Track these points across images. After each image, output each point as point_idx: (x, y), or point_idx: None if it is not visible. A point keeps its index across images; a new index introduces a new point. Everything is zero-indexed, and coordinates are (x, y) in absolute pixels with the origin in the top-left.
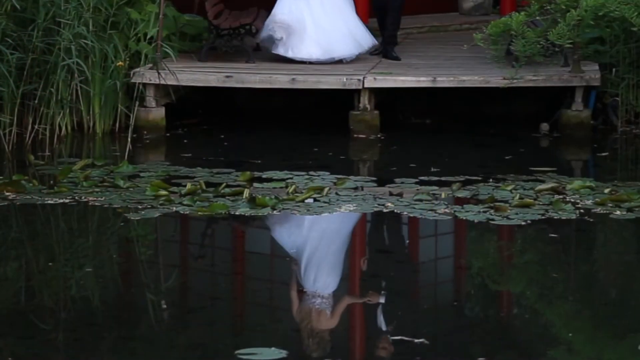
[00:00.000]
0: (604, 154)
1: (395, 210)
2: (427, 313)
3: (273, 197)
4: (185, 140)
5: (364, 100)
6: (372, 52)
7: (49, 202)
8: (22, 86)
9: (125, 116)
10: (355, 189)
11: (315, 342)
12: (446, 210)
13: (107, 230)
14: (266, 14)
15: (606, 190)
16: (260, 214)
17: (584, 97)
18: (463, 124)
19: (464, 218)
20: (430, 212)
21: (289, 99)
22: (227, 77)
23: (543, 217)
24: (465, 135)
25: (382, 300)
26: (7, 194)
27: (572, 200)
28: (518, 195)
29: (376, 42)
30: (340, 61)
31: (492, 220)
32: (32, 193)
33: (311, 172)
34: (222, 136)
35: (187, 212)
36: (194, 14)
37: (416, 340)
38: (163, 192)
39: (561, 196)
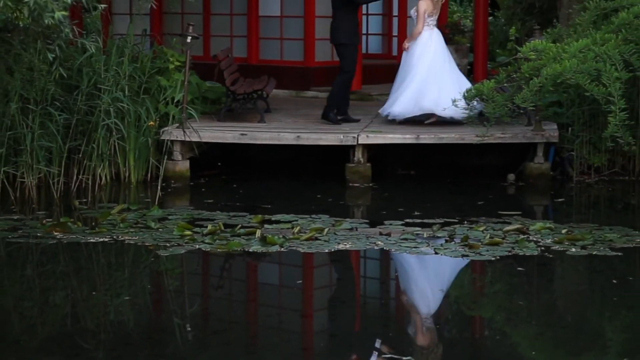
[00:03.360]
0: (561, 200)
1: (385, 248)
2: (413, 334)
3: (281, 236)
4: (204, 189)
5: (358, 155)
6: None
7: (91, 240)
8: (68, 142)
9: (156, 168)
10: (351, 229)
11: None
12: (428, 247)
13: (141, 265)
14: (275, 81)
15: (563, 231)
16: (270, 251)
17: (544, 151)
18: (442, 175)
19: (443, 254)
20: (414, 249)
21: (295, 153)
22: (242, 134)
23: (510, 254)
24: (444, 184)
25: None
26: (56, 233)
27: (535, 239)
28: (489, 235)
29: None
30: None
31: (467, 256)
32: (77, 233)
33: (313, 215)
34: (237, 185)
35: (208, 249)
36: (214, 82)
37: (404, 358)
38: (188, 232)
39: (525, 236)
